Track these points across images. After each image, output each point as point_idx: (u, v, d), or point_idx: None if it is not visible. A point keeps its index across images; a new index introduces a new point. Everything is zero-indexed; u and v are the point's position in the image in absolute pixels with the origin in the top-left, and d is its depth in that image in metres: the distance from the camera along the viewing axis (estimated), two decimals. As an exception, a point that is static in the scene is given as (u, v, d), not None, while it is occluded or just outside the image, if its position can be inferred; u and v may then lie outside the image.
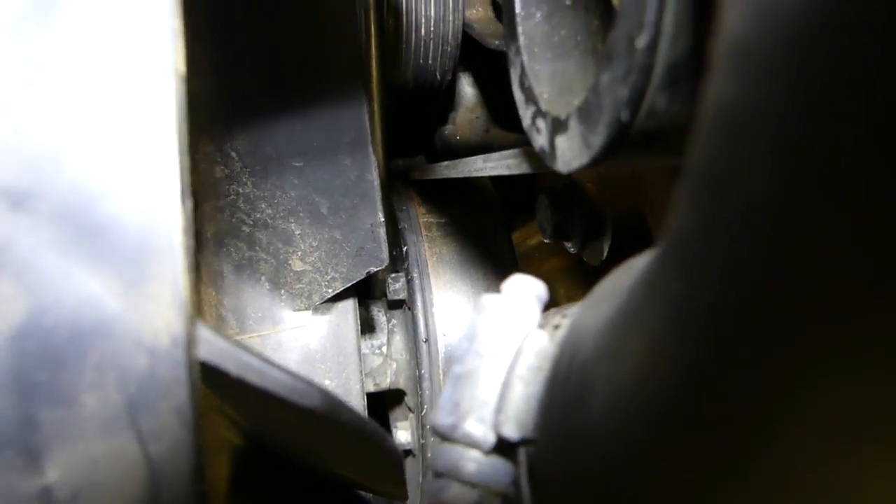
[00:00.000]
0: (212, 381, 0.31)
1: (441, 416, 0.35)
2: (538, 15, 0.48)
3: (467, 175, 0.71)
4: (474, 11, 1.21)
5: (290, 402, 0.31)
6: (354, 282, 0.80)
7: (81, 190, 0.31)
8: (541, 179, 0.92)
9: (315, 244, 0.78)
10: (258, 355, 0.32)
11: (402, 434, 1.11)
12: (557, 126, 0.42)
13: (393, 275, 1.06)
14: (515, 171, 0.56)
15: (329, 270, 0.80)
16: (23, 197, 0.30)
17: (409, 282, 1.00)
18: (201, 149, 0.80)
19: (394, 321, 1.12)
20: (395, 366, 1.12)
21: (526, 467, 0.34)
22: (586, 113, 0.37)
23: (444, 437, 0.35)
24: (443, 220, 1.09)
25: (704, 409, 0.19)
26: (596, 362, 0.26)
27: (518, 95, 0.48)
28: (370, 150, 0.74)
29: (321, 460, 0.49)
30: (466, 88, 1.35)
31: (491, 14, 1.21)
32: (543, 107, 0.44)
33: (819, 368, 0.18)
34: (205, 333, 0.31)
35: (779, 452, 0.20)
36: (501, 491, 0.35)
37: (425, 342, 0.95)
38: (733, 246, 0.18)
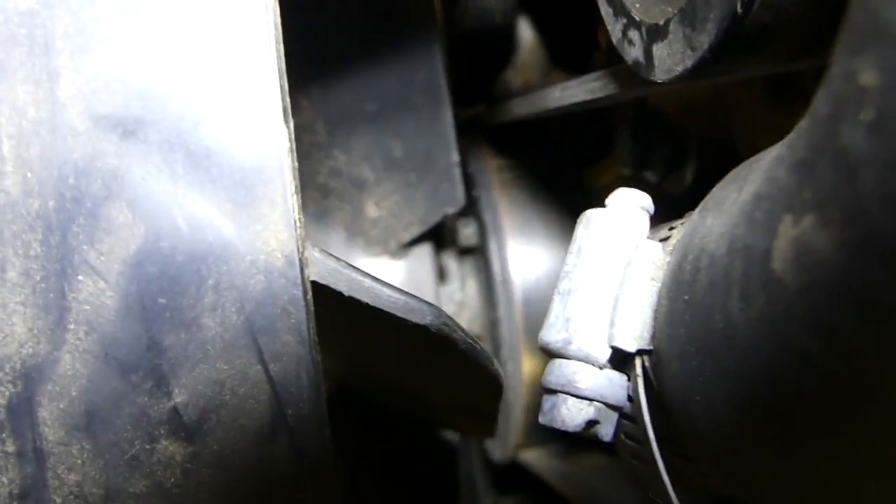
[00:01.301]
0: (324, 302, 0.31)
1: (552, 333, 0.35)
2: None
3: (543, 109, 0.69)
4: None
5: (404, 319, 0.31)
6: (431, 225, 0.80)
7: (188, 116, 0.30)
8: (615, 113, 0.89)
9: (390, 189, 0.78)
10: (369, 275, 0.32)
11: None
12: (655, 34, 0.40)
13: (463, 220, 1.05)
14: (600, 95, 0.54)
15: (405, 214, 0.80)
16: (133, 126, 0.30)
17: (482, 226, 0.99)
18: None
19: (466, 268, 1.11)
20: (469, 313, 1.12)
21: (643, 379, 0.33)
22: (692, 12, 0.36)
23: (556, 353, 0.34)
24: (513, 163, 1.07)
25: (884, 282, 0.18)
26: (731, 255, 0.25)
27: (605, 9, 0.46)
28: (444, 89, 0.73)
29: (418, 392, 0.49)
30: (525, 31, 1.32)
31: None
32: (637, 16, 0.42)
33: None
34: (316, 254, 0.31)
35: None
36: (618, 405, 0.34)
37: (502, 284, 0.95)
38: None
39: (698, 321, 0.27)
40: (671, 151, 0.69)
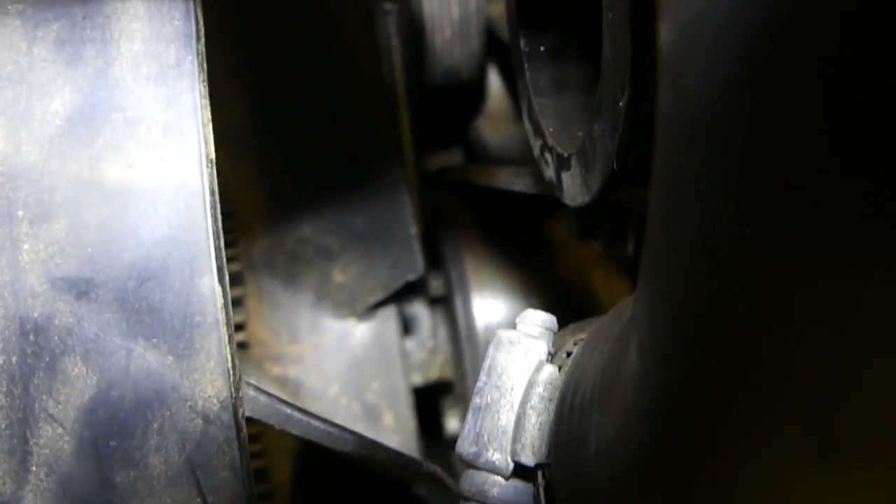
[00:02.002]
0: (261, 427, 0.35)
1: (465, 446, 0.39)
2: (542, 49, 0.50)
3: (495, 185, 0.74)
4: (499, 7, 1.22)
5: (328, 447, 0.35)
6: (393, 291, 0.85)
7: (134, 276, 0.35)
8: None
9: (354, 257, 0.82)
10: (297, 407, 0.36)
11: (453, 422, 1.16)
12: (562, 162, 0.44)
13: (433, 272, 1.10)
14: (533, 191, 0.59)
15: (369, 281, 0.85)
16: (86, 287, 0.34)
17: (448, 281, 1.04)
18: (243, 173, 0.85)
19: (437, 316, 1.15)
20: (441, 358, 1.16)
21: (543, 489, 0.37)
22: (584, 157, 0.40)
23: (469, 464, 0.39)
24: (478, 217, 1.12)
25: (673, 473, 0.22)
26: (590, 407, 0.30)
27: (527, 126, 0.51)
28: (401, 166, 0.77)
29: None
30: (494, 81, 1.37)
31: (513, 5, 1.22)
32: (549, 141, 0.47)
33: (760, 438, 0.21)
34: (249, 393, 0.35)
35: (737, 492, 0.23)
36: None
37: (467, 338, 0.99)
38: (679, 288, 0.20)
39: (572, 452, 0.32)
40: (612, 225, 0.74)
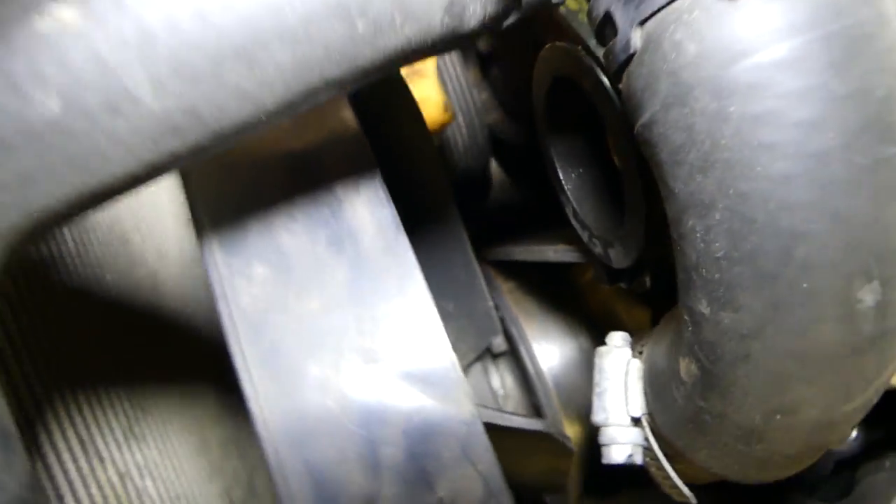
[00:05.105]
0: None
1: (598, 417, 0.68)
2: (575, 174, 0.81)
3: (547, 259, 1.04)
4: (492, 116, 1.56)
5: (524, 430, 0.64)
6: (481, 351, 1.14)
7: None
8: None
9: (449, 333, 1.11)
10: (502, 411, 0.65)
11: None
12: (607, 244, 0.75)
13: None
14: (583, 261, 0.89)
15: (461, 347, 1.13)
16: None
17: (510, 338, 1.33)
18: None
19: (502, 367, 1.44)
20: (512, 402, 1.44)
21: (649, 427, 0.66)
22: (623, 240, 0.71)
23: (602, 425, 0.68)
24: (517, 282, 1.42)
25: (712, 390, 0.51)
26: (662, 376, 0.59)
27: (575, 224, 0.82)
28: (471, 255, 1.07)
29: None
30: (495, 170, 1.71)
31: (503, 114, 1.56)
32: (596, 232, 0.77)
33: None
34: (480, 409, 0.64)
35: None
36: (641, 444, 0.67)
37: (537, 380, 1.28)
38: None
39: (658, 402, 0.61)
40: (634, 270, 1.03)
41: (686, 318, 0.52)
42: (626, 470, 0.70)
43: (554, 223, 1.07)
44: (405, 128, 1.00)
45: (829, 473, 0.91)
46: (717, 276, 0.47)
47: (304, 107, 0.51)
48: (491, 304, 1.09)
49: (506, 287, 1.40)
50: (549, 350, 1.32)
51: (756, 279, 0.45)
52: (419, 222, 1.07)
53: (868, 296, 0.45)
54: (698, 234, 0.46)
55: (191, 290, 1.41)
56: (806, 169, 0.42)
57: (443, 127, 1.37)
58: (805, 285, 0.44)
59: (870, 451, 0.90)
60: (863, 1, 0.43)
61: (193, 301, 1.41)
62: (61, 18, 0.44)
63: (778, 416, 0.51)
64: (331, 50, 0.47)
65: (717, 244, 0.45)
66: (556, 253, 0.98)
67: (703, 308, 0.49)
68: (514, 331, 1.31)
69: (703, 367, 0.53)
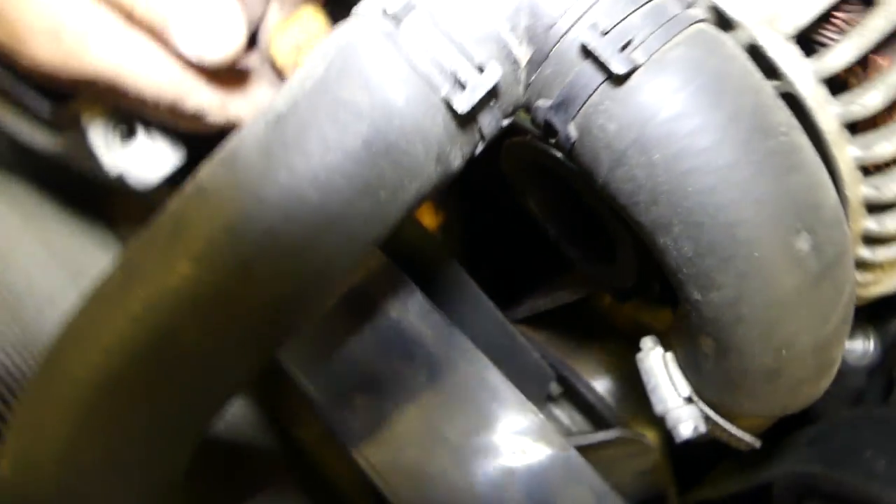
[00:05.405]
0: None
1: (658, 407, 0.83)
2: (561, 222, 0.98)
3: (563, 302, 1.20)
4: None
5: (611, 441, 0.79)
6: (542, 400, 1.28)
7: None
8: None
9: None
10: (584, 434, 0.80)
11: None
12: (609, 270, 0.91)
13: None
14: (587, 293, 1.05)
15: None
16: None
17: (563, 379, 1.48)
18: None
19: (566, 407, 1.58)
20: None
21: (698, 401, 0.81)
22: (620, 264, 0.87)
23: (664, 413, 0.83)
24: (551, 331, 1.57)
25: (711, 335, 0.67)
26: (691, 356, 0.74)
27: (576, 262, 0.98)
28: (504, 320, 1.23)
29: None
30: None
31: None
32: (595, 263, 0.94)
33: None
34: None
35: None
36: (700, 417, 0.82)
37: (606, 409, 1.42)
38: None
39: (696, 372, 0.76)
40: (640, 283, 1.19)
41: (688, 307, 0.68)
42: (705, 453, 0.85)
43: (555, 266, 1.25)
44: (414, 238, 1.18)
45: (865, 384, 1.05)
46: (694, 270, 0.63)
47: (356, 261, 0.68)
48: (537, 354, 1.24)
49: (540, 338, 1.56)
50: (600, 376, 1.47)
51: (721, 262, 0.62)
52: (448, 309, 1.23)
53: (803, 244, 0.62)
54: (669, 246, 0.63)
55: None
56: (721, 177, 0.59)
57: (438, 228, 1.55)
58: (756, 254, 0.61)
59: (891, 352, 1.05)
60: (709, 52, 0.61)
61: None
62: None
63: (783, 352, 0.67)
64: (367, 218, 0.64)
65: (684, 248, 0.62)
66: (571, 293, 1.14)
67: (696, 296, 0.65)
68: (564, 372, 1.46)
69: (715, 338, 0.68)
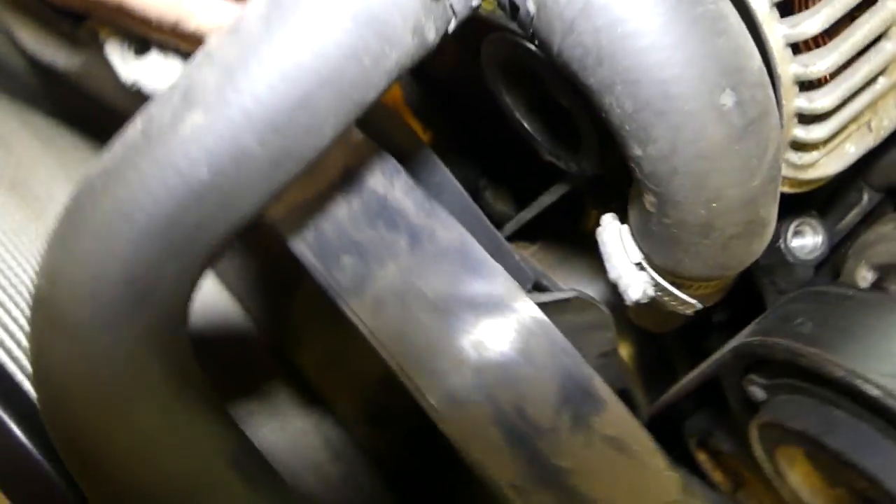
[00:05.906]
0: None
1: (612, 274, 0.93)
2: (535, 119, 1.08)
3: (539, 209, 1.31)
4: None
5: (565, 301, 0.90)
6: None
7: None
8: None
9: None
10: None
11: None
12: (579, 160, 1.01)
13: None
14: (563, 191, 1.15)
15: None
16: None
17: (541, 287, 1.58)
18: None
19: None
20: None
21: (649, 266, 0.91)
22: (587, 153, 0.97)
23: (617, 279, 0.93)
24: (537, 247, 1.67)
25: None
26: (639, 218, 0.85)
27: (549, 157, 1.08)
28: (487, 221, 1.34)
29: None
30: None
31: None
32: (567, 155, 1.04)
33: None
34: None
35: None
36: (649, 282, 0.92)
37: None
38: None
39: (644, 235, 0.87)
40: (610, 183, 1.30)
41: (633, 165, 0.78)
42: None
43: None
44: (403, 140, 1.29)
45: (813, 278, 1.15)
46: (634, 125, 0.73)
47: (346, 129, 0.78)
48: (518, 257, 1.34)
49: (527, 253, 1.66)
50: (579, 288, 1.57)
51: (656, 116, 0.72)
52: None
53: (727, 100, 0.72)
54: (613, 105, 0.73)
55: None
56: (655, 39, 0.69)
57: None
58: (686, 107, 0.71)
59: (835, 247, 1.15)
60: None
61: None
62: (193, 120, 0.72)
63: (714, 204, 0.77)
64: (353, 82, 0.74)
65: (626, 105, 0.72)
66: (550, 194, 1.24)
67: (637, 151, 0.75)
68: (544, 281, 1.56)
69: (656, 193, 0.79)
